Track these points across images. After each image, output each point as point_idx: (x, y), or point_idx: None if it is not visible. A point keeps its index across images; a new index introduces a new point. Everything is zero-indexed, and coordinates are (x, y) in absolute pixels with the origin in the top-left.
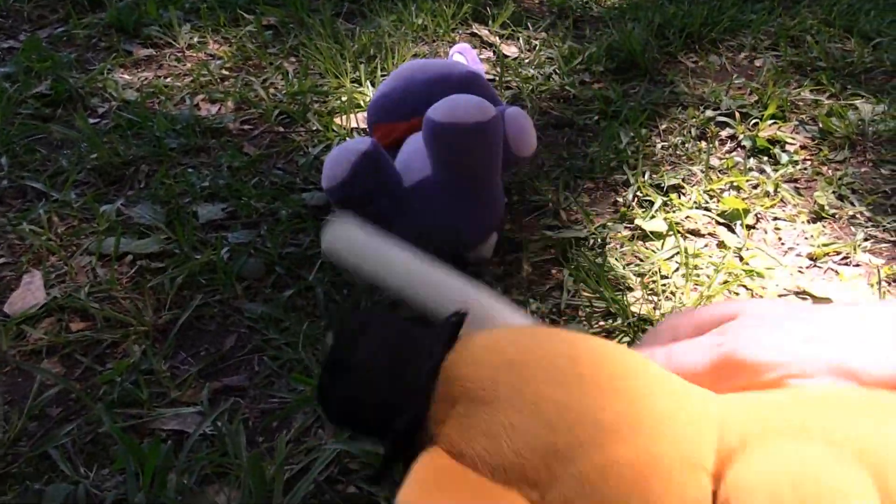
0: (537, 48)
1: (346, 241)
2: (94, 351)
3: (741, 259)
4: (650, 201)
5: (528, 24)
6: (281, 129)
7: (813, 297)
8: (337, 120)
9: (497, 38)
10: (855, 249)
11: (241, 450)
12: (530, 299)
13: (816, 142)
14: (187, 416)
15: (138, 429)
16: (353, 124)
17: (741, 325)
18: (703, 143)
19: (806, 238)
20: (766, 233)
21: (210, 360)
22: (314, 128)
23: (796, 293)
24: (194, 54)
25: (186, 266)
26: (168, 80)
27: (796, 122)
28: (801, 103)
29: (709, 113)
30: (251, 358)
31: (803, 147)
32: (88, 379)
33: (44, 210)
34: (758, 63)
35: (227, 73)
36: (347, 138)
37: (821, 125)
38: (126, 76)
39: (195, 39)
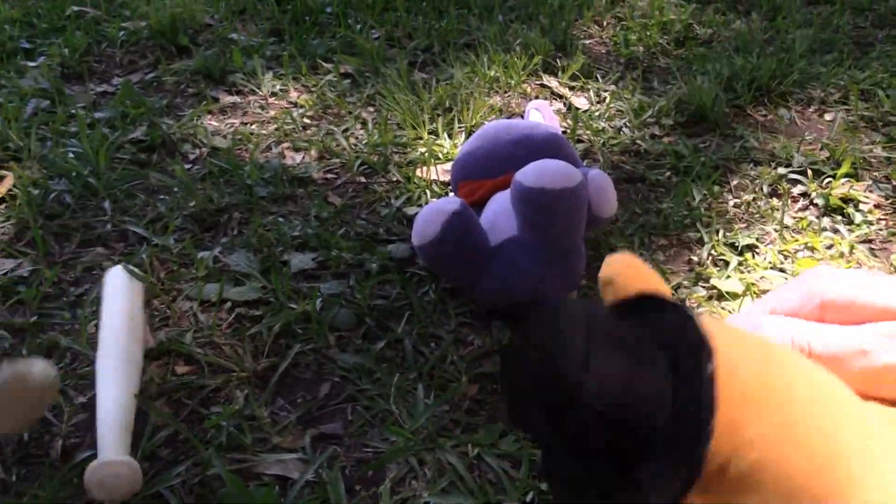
0: (607, 100)
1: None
2: (198, 395)
3: None
4: (725, 261)
5: (598, 75)
6: (363, 180)
7: None
8: (417, 171)
9: (567, 89)
10: None
11: (342, 497)
12: None
13: (891, 201)
14: (289, 461)
15: (243, 473)
16: (434, 176)
17: None
18: (776, 201)
19: None
20: None
21: (307, 407)
22: (395, 179)
23: None
24: (277, 102)
25: (282, 315)
26: (254, 127)
27: (869, 181)
28: (873, 160)
29: (780, 170)
30: (345, 407)
31: (877, 206)
32: (194, 422)
33: (146, 255)
34: (828, 117)
35: (308, 121)
36: (427, 191)
37: (895, 184)
38: (214, 122)
39: (277, 87)
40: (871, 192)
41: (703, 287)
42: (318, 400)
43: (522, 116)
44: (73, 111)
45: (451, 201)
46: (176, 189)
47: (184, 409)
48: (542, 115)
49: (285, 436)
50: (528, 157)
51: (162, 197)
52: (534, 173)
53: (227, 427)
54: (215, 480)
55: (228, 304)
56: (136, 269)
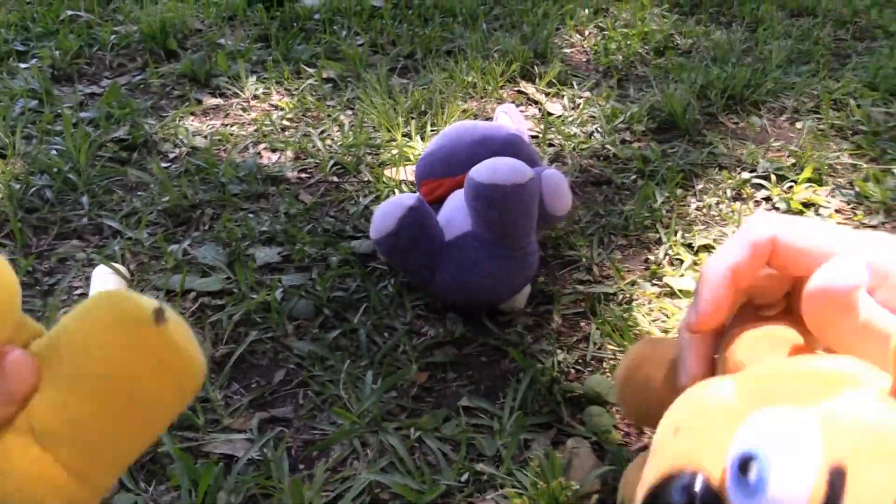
0: (581, 106)
1: None
2: None
3: None
4: (680, 260)
5: (574, 82)
6: (335, 179)
7: None
8: (387, 172)
9: (543, 95)
10: None
11: (284, 475)
12: (558, 349)
13: (852, 206)
14: (237, 441)
15: (193, 451)
16: (403, 177)
17: None
18: (738, 205)
19: None
20: None
21: (260, 391)
22: (365, 179)
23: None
24: (259, 104)
25: (243, 304)
26: (234, 128)
27: (833, 186)
28: (839, 167)
29: (745, 175)
30: (297, 392)
31: (838, 211)
32: None
33: (119, 247)
34: (798, 125)
35: (287, 123)
36: (396, 190)
37: (857, 189)
38: (196, 123)
39: (260, 91)
40: (832, 197)
41: (657, 285)
42: (271, 385)
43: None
44: (60, 111)
45: (409, 197)
46: (153, 185)
47: None
48: (510, 119)
49: (236, 417)
50: (487, 157)
51: (139, 193)
52: (486, 170)
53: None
54: (166, 458)
55: (193, 293)
56: (119, 267)
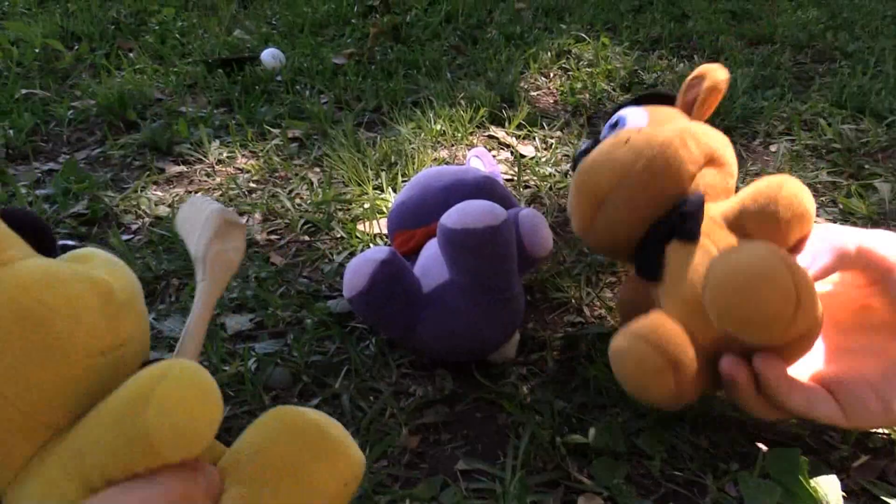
0: (553, 146)
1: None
2: None
3: None
4: None
5: (544, 123)
6: (306, 238)
7: None
8: (360, 227)
9: (514, 138)
10: None
11: None
12: (556, 398)
13: (839, 223)
14: None
15: None
16: (377, 230)
17: None
18: None
19: None
20: None
21: None
22: (338, 235)
23: None
24: (223, 169)
25: (215, 378)
26: (198, 194)
27: (816, 206)
28: (819, 186)
29: None
30: None
31: None
32: None
33: None
34: (773, 148)
35: (254, 185)
36: (371, 244)
37: (841, 206)
38: (159, 192)
39: (224, 155)
40: (817, 216)
41: None
42: None
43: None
44: (13, 190)
45: (380, 250)
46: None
47: None
48: (482, 163)
49: None
50: (459, 201)
51: None
52: (457, 215)
53: None
54: None
55: None
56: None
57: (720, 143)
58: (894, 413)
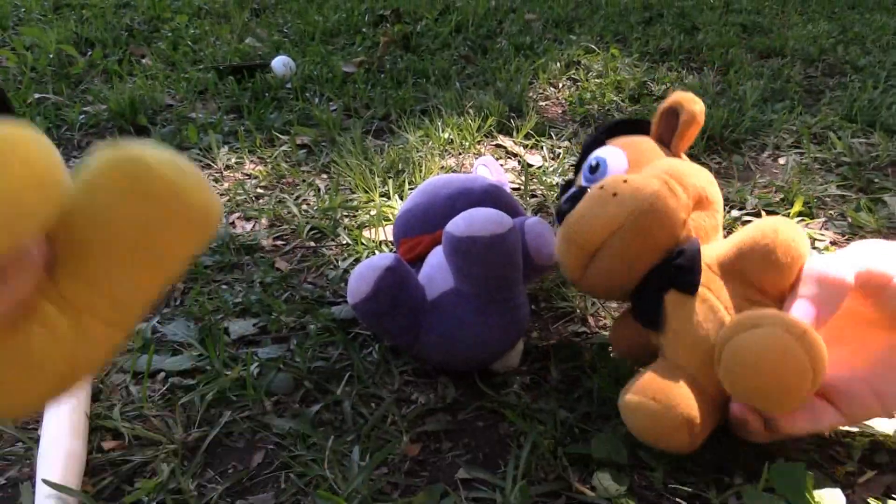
0: (561, 156)
1: None
2: (124, 470)
3: None
4: None
5: (552, 133)
6: (312, 244)
7: None
8: (366, 233)
9: (521, 148)
10: None
11: None
12: (559, 408)
13: (847, 237)
14: None
15: None
16: (382, 237)
17: None
18: None
19: None
20: None
21: (237, 477)
22: (344, 242)
23: None
24: (231, 174)
25: (217, 383)
26: None
27: (824, 219)
28: (828, 199)
29: (735, 213)
30: (278, 475)
31: (833, 243)
32: (117, 499)
33: None
34: (782, 161)
35: (262, 191)
36: (376, 251)
37: (850, 220)
38: None
39: (233, 160)
40: (826, 229)
41: None
42: (249, 469)
43: None
44: None
45: (385, 257)
46: None
47: (108, 488)
48: (489, 171)
49: None
50: (465, 209)
51: None
52: (463, 223)
53: (149, 502)
54: None
55: (162, 374)
56: None
57: (705, 181)
58: (889, 404)
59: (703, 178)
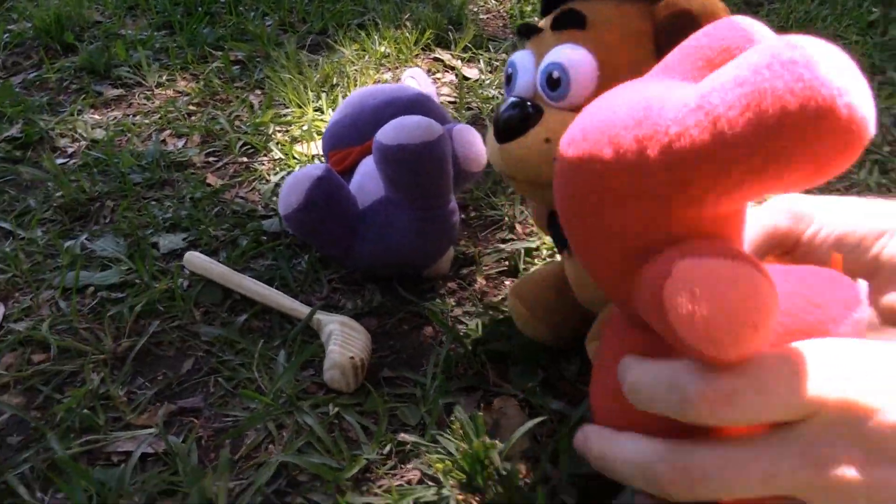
0: (498, 69)
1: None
2: (54, 381)
3: None
4: None
5: (490, 46)
6: (244, 160)
7: None
8: (298, 147)
9: (459, 61)
10: None
11: (191, 467)
12: (482, 310)
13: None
14: (141, 438)
15: (94, 453)
16: (314, 151)
17: None
18: None
19: None
20: None
21: (167, 383)
22: (276, 156)
23: None
24: (163, 92)
25: (145, 295)
26: (136, 118)
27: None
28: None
29: None
30: (207, 380)
31: None
32: (49, 408)
33: (10, 248)
34: None
35: (194, 108)
36: (308, 165)
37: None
38: (96, 116)
39: (164, 78)
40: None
41: None
42: (179, 375)
43: None
44: None
45: (316, 167)
46: (48, 182)
47: (37, 397)
48: (417, 83)
49: (140, 413)
50: (392, 119)
51: (33, 191)
52: (392, 131)
53: (79, 410)
54: (65, 463)
55: (91, 289)
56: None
57: None
58: None
59: None
